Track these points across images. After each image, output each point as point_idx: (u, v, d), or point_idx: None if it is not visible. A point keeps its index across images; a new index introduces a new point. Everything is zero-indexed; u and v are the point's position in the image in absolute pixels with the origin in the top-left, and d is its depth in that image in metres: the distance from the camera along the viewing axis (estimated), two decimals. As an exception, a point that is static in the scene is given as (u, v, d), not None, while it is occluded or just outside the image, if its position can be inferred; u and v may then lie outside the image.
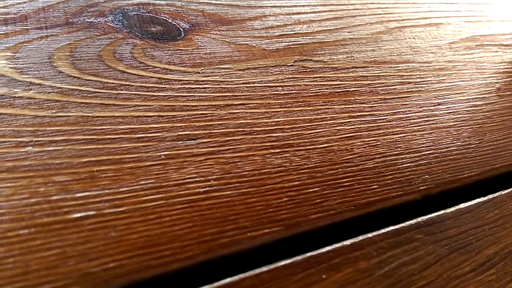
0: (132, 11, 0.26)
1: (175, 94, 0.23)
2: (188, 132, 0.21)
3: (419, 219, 0.22)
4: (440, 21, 0.34)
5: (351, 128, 0.24)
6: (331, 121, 0.24)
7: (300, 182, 0.21)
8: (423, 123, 0.26)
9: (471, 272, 0.21)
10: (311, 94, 0.25)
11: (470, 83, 0.30)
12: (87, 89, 0.21)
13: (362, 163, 0.23)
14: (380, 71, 0.28)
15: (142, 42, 0.24)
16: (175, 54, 0.24)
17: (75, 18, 0.24)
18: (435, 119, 0.27)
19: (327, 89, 0.26)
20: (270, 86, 0.25)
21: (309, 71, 0.27)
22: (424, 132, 0.26)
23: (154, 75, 0.23)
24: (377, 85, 0.27)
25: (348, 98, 0.26)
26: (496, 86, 0.30)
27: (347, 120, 0.25)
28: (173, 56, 0.24)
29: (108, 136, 0.20)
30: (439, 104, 0.28)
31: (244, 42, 0.27)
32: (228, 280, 0.18)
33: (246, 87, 0.24)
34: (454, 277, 0.20)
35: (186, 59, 0.24)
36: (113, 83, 0.22)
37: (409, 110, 0.27)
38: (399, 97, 0.27)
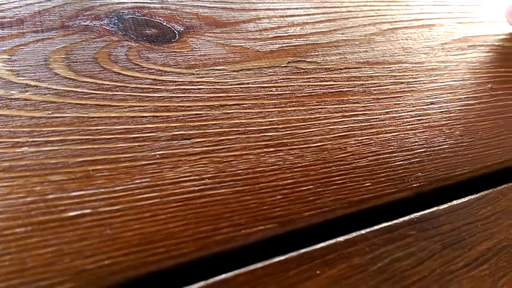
0: (127, 14, 0.26)
1: (170, 95, 0.23)
2: (183, 132, 0.22)
3: (412, 215, 0.22)
4: (432, 22, 0.34)
5: (344, 127, 0.25)
6: (325, 121, 0.25)
7: (293, 180, 0.21)
8: (415, 122, 0.26)
9: (464, 267, 0.21)
10: (305, 94, 0.26)
11: (462, 83, 0.30)
12: (82, 90, 0.22)
13: (355, 161, 0.23)
14: (373, 72, 0.29)
15: (137, 44, 0.25)
16: (170, 56, 0.25)
17: (70, 21, 0.25)
18: (427, 118, 0.27)
19: (320, 89, 0.26)
20: (264, 87, 0.25)
21: (303, 72, 0.27)
22: (417, 131, 0.26)
23: (149, 77, 0.23)
24: (370, 85, 0.28)
25: (341, 98, 0.26)
26: (488, 86, 0.31)
27: (340, 120, 0.25)
28: (167, 58, 0.25)
29: (103, 136, 0.20)
30: (431, 103, 0.28)
31: (238, 44, 0.27)
32: (223, 276, 0.18)
33: (240, 87, 0.25)
34: (447, 272, 0.20)
35: (180, 61, 0.25)
36: (108, 84, 0.22)
37: (402, 110, 0.27)
38: (392, 97, 0.27)
